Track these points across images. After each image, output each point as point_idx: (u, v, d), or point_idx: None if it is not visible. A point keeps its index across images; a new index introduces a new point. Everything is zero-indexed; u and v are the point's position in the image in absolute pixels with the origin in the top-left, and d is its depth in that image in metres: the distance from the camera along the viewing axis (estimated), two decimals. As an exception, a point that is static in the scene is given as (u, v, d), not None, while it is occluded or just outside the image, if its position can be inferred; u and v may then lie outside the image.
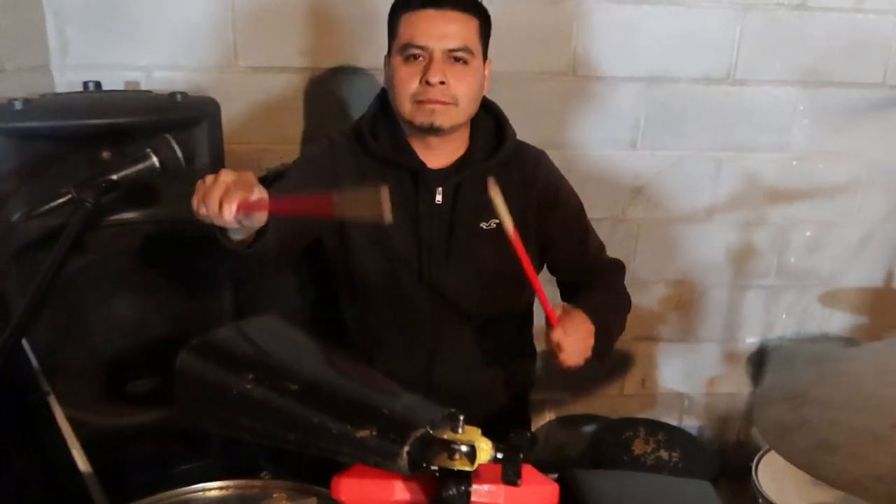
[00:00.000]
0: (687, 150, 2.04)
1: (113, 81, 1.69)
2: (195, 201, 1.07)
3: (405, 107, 1.39)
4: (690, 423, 2.33)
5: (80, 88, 1.58)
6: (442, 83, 1.35)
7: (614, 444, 1.91)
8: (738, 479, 1.67)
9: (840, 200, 2.13)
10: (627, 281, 2.11)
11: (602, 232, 2.05)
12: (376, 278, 1.46)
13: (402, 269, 1.45)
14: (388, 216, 0.89)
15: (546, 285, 1.35)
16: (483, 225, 1.46)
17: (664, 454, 1.86)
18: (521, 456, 0.76)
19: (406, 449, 0.72)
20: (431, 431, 0.74)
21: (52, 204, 1.13)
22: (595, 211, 2.03)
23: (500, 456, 0.77)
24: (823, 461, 0.78)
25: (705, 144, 2.04)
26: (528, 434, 0.79)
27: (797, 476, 1.47)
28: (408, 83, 1.37)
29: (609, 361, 2.22)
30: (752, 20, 1.95)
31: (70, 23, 1.73)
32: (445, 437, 0.75)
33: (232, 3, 1.77)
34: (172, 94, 1.49)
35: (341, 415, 0.74)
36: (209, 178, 1.06)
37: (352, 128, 1.51)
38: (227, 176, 1.05)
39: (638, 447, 1.89)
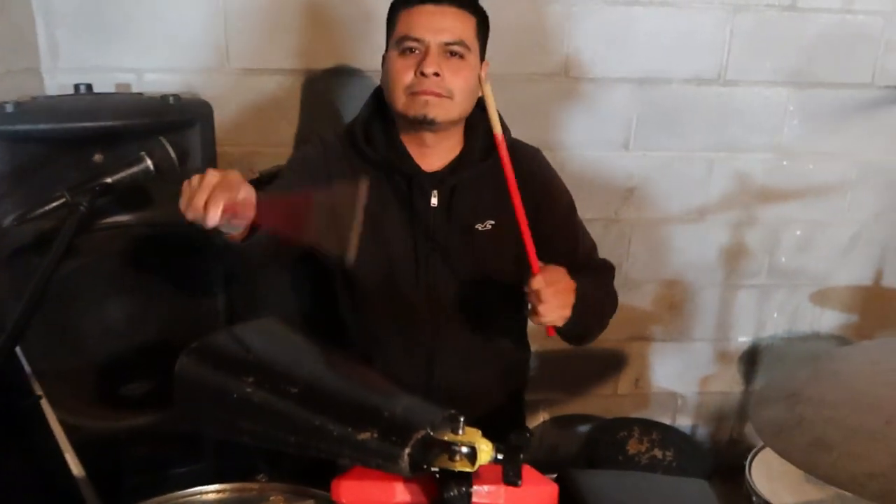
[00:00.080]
0: (679, 151, 2.05)
1: (104, 84, 1.68)
2: (182, 203, 1.07)
3: (399, 99, 1.38)
4: (684, 423, 2.34)
5: (70, 91, 1.57)
6: (436, 75, 1.34)
7: (609, 443, 1.91)
8: (731, 478, 1.68)
9: (830, 200, 2.15)
10: (620, 281, 2.13)
11: (595, 232, 2.06)
12: (375, 280, 1.46)
13: (400, 270, 1.45)
14: (351, 257, 0.90)
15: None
16: (478, 226, 1.46)
17: (658, 453, 1.87)
18: (522, 456, 0.76)
19: (407, 451, 0.72)
20: (432, 433, 0.74)
21: (46, 207, 1.12)
22: (588, 211, 2.05)
23: (500, 457, 0.77)
24: (820, 459, 0.79)
25: (697, 145, 2.05)
26: (528, 433, 0.80)
27: (790, 474, 1.49)
28: (402, 75, 1.37)
29: (602, 362, 2.23)
30: (743, 21, 1.96)
31: (60, 25, 1.72)
32: (446, 438, 0.75)
33: (224, 5, 1.76)
34: (164, 97, 1.48)
35: (342, 417, 0.74)
36: (195, 180, 1.06)
37: (345, 130, 1.51)
38: (212, 177, 1.05)
39: (632, 447, 1.90)
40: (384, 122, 1.47)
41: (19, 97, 1.43)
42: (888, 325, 2.26)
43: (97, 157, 1.41)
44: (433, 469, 0.76)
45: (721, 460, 2.25)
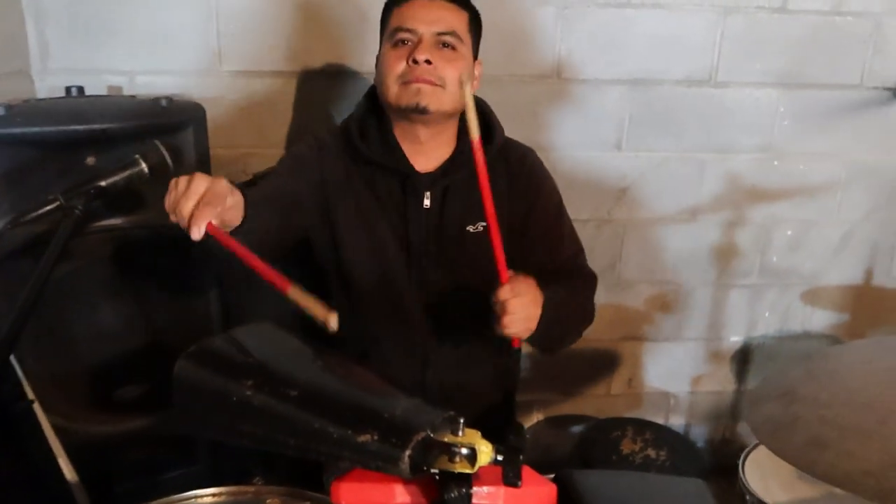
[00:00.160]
0: (671, 152, 2.06)
1: (95, 86, 1.68)
2: (167, 204, 1.05)
3: (391, 90, 1.38)
4: (676, 422, 2.35)
5: (61, 93, 1.57)
6: (428, 62, 1.34)
7: (603, 443, 1.92)
8: (724, 477, 1.69)
9: (820, 200, 2.17)
10: (613, 281, 2.15)
11: (588, 233, 2.09)
12: (369, 280, 1.46)
13: (394, 271, 1.45)
14: (333, 324, 0.89)
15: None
16: (470, 228, 1.46)
17: (652, 453, 1.88)
18: (521, 457, 0.76)
19: (408, 452, 0.72)
20: (432, 435, 0.74)
21: (40, 211, 1.11)
22: (581, 212, 2.06)
23: (499, 458, 0.78)
24: (815, 457, 0.79)
25: (689, 145, 2.06)
26: (523, 433, 0.80)
27: (783, 472, 1.50)
28: (395, 65, 1.37)
29: (596, 362, 2.24)
30: (734, 23, 1.97)
31: (50, 27, 1.71)
32: (446, 440, 0.76)
33: (216, 8, 1.76)
34: (157, 99, 1.48)
35: (342, 420, 0.74)
36: (182, 183, 1.03)
37: (340, 127, 1.50)
38: (199, 185, 1.03)
39: (626, 446, 1.90)
40: (378, 120, 1.47)
41: (10, 100, 1.43)
42: (878, 324, 2.28)
43: (89, 160, 1.41)
44: (433, 470, 0.76)
45: (714, 459, 2.27)
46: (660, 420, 2.25)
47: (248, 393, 0.76)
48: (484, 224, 1.46)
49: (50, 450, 1.28)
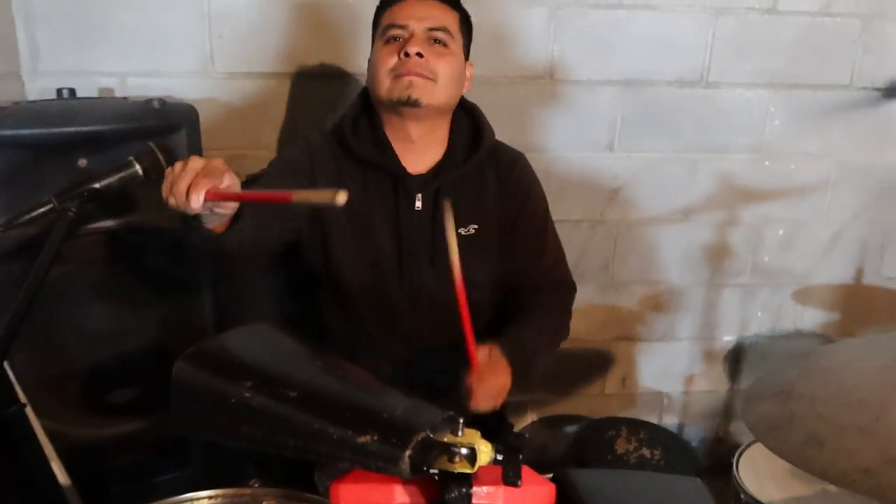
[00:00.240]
0: (663, 152, 2.07)
1: (86, 88, 1.67)
2: (164, 189, 1.05)
3: (383, 84, 1.38)
4: (670, 422, 2.36)
5: (51, 95, 1.56)
6: (420, 55, 1.35)
7: (597, 443, 1.92)
8: (718, 476, 1.69)
9: (811, 200, 2.18)
10: (607, 282, 2.16)
11: (581, 233, 2.10)
12: (358, 282, 1.46)
13: (384, 272, 1.45)
14: (341, 199, 0.90)
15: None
16: (461, 231, 1.45)
17: (646, 452, 1.88)
18: (521, 457, 0.77)
19: (408, 453, 0.72)
20: (432, 435, 0.74)
21: (33, 213, 1.10)
22: (574, 213, 2.07)
23: (499, 458, 0.78)
24: (812, 455, 0.80)
25: (681, 146, 2.07)
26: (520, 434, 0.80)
27: (777, 471, 1.51)
28: (387, 60, 1.37)
29: (589, 362, 2.25)
30: (725, 24, 1.98)
31: (40, 29, 1.70)
32: (446, 440, 0.76)
33: (208, 9, 1.75)
34: (149, 101, 1.48)
35: (341, 420, 0.74)
36: (178, 166, 1.04)
37: (332, 127, 1.50)
38: (195, 163, 1.04)
39: (621, 446, 1.91)
40: (371, 120, 1.46)
41: (1, 102, 1.42)
42: (869, 323, 2.30)
43: (81, 162, 1.40)
44: (432, 471, 0.76)
45: (707, 459, 2.28)
46: (653, 419, 2.25)
47: (247, 394, 0.75)
48: (475, 227, 1.46)
49: (42, 454, 1.27)
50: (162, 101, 1.47)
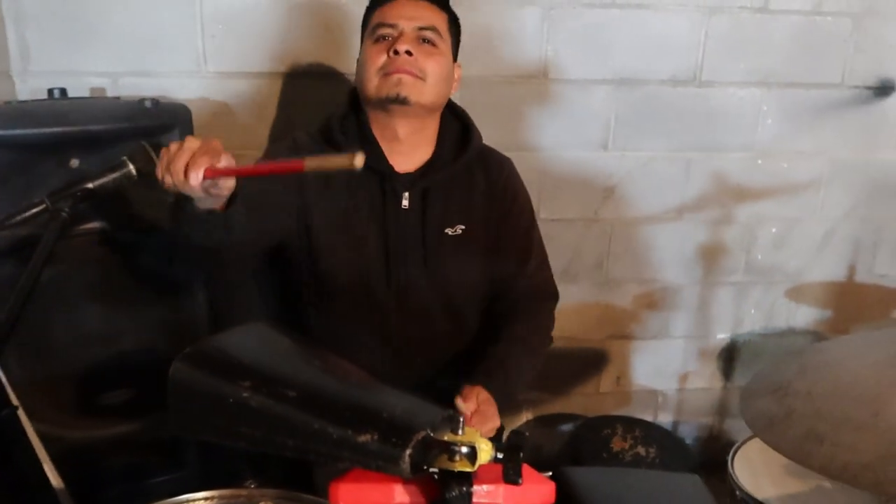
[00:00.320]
0: (657, 151, 2.08)
1: (77, 88, 1.65)
2: (160, 170, 1.05)
3: (372, 82, 1.38)
4: (665, 419, 2.36)
5: (42, 95, 1.55)
6: (409, 53, 1.35)
7: (593, 441, 1.93)
8: (713, 473, 1.70)
9: (804, 198, 2.20)
10: (600, 280, 2.17)
11: (575, 232, 2.10)
12: (344, 281, 1.45)
13: (371, 272, 1.44)
14: (359, 161, 0.89)
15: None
16: (448, 231, 1.45)
17: (642, 450, 1.89)
18: (522, 455, 0.76)
19: (408, 452, 0.71)
20: (432, 434, 0.74)
21: (26, 214, 1.09)
22: (568, 212, 2.07)
23: (500, 456, 0.77)
24: (812, 451, 0.80)
25: (674, 145, 2.08)
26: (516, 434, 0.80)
27: (773, 468, 1.51)
28: (376, 58, 1.37)
29: (584, 360, 2.26)
30: (718, 23, 1.99)
31: (31, 29, 1.69)
32: (446, 438, 0.75)
33: (200, 9, 1.75)
34: (142, 101, 1.47)
35: (341, 420, 0.74)
36: (174, 146, 1.04)
37: (320, 126, 1.49)
38: (192, 143, 1.03)
39: (616, 444, 1.92)
40: (359, 121, 1.46)
41: (-8, 102, 1.41)
42: (861, 320, 2.32)
43: (73, 163, 1.39)
44: (432, 470, 0.76)
45: (702, 456, 2.28)
46: (648, 417, 2.26)
47: (246, 394, 0.75)
48: (462, 227, 1.46)
49: (35, 456, 1.26)
50: (155, 101, 1.47)
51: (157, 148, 1.21)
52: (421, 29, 1.38)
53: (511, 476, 0.77)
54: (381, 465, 0.72)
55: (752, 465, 1.54)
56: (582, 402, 2.28)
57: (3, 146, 1.34)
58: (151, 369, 1.08)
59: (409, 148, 1.45)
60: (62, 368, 1.49)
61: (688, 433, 2.39)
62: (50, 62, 1.71)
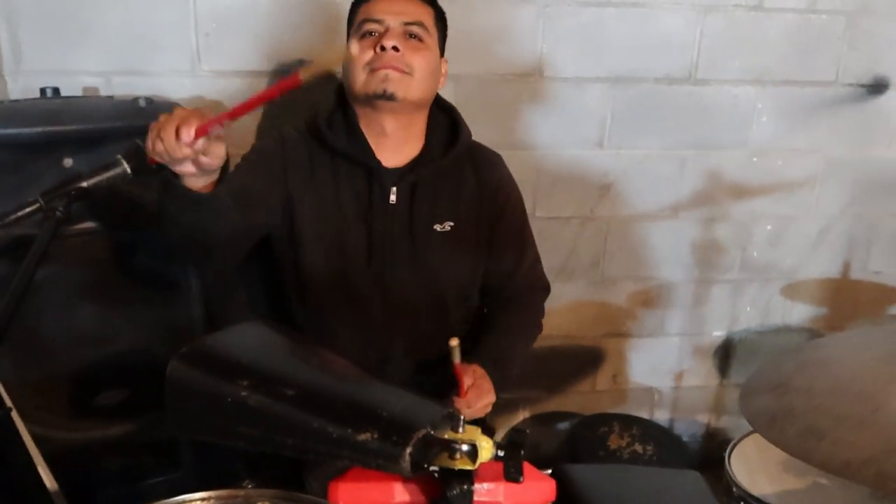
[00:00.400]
0: (652, 149, 2.08)
1: (70, 87, 1.64)
2: (150, 139, 1.06)
3: (359, 78, 1.37)
4: (661, 417, 2.37)
5: (35, 94, 1.54)
6: (396, 49, 1.34)
7: (590, 440, 1.93)
8: (710, 470, 1.70)
9: (799, 195, 2.20)
10: (596, 278, 2.17)
11: (571, 230, 2.10)
12: (327, 277, 1.44)
13: (354, 267, 1.43)
14: (353, 49, 0.85)
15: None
16: (437, 227, 1.45)
17: (639, 448, 1.89)
18: (523, 453, 0.76)
19: (409, 450, 0.71)
20: (432, 432, 0.74)
21: (20, 213, 1.08)
22: (564, 210, 2.07)
23: (500, 454, 0.77)
24: (813, 447, 0.80)
25: (669, 143, 2.08)
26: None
27: (770, 465, 1.52)
28: (362, 55, 1.37)
29: (580, 358, 2.25)
30: (712, 21, 1.99)
31: (23, 28, 1.68)
32: (446, 436, 0.75)
33: (194, 7, 1.74)
34: (135, 100, 1.46)
35: (341, 418, 0.73)
36: (163, 116, 1.05)
37: (307, 120, 1.49)
38: (181, 111, 1.06)
39: (613, 442, 1.92)
40: (346, 116, 1.45)
41: (-16, 101, 1.40)
42: (856, 316, 2.32)
43: (67, 162, 1.38)
44: (432, 468, 0.76)
45: (699, 453, 2.29)
46: (644, 415, 2.26)
47: (244, 393, 0.74)
48: (451, 223, 1.46)
49: (29, 458, 1.25)
50: (148, 100, 1.46)
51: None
52: (407, 24, 1.37)
53: (512, 474, 0.76)
54: (381, 464, 0.71)
55: (748, 462, 1.54)
56: (578, 400, 2.28)
57: (-3, 145, 1.33)
58: (146, 369, 1.08)
59: (397, 143, 1.44)
60: (56, 369, 1.49)
61: (684, 430, 2.40)
62: (42, 61, 1.70)
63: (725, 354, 2.33)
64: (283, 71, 1.82)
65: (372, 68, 1.36)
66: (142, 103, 1.45)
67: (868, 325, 2.19)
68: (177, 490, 1.01)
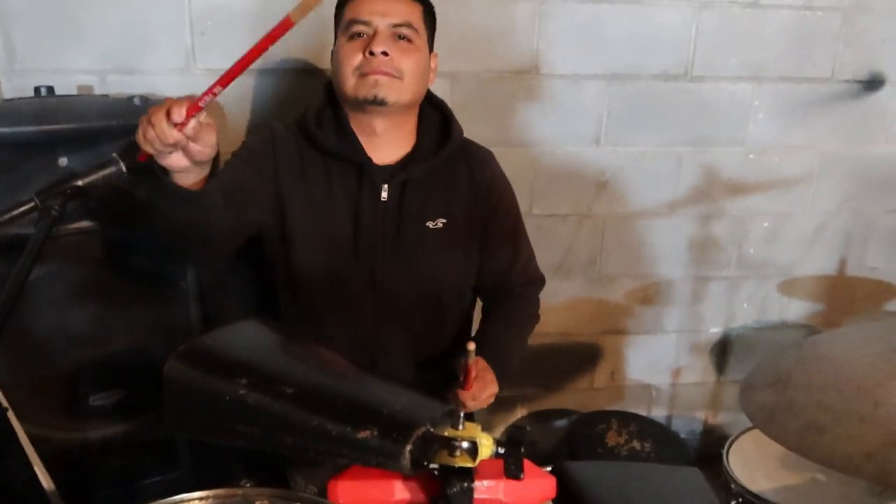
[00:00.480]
0: (649, 146, 2.08)
1: (64, 86, 1.63)
2: (140, 132, 1.05)
3: (348, 82, 1.36)
4: (658, 414, 2.37)
5: (29, 93, 1.53)
6: (385, 54, 1.33)
7: (588, 437, 1.93)
8: (708, 466, 1.70)
9: (795, 192, 2.21)
10: (594, 276, 2.18)
11: (568, 228, 2.10)
12: (319, 275, 1.43)
13: (344, 264, 1.42)
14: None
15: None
16: (429, 224, 1.44)
17: (637, 445, 1.89)
18: (523, 450, 0.76)
19: (409, 448, 0.70)
20: (433, 429, 0.73)
21: (15, 212, 1.07)
22: (561, 207, 2.07)
23: (500, 451, 0.77)
24: (814, 442, 0.80)
25: (666, 140, 2.08)
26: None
27: (767, 461, 1.52)
28: (351, 58, 1.35)
29: (578, 356, 2.26)
30: (709, 18, 1.99)
31: (17, 27, 1.67)
32: (446, 434, 0.75)
33: (189, 6, 1.73)
34: (130, 98, 1.45)
35: (340, 416, 0.72)
36: (151, 109, 1.05)
37: (296, 118, 1.47)
38: (168, 100, 1.06)
39: (611, 439, 1.92)
40: (336, 113, 1.44)
41: (-23, 100, 1.39)
42: (853, 313, 2.33)
43: (62, 161, 1.38)
44: (432, 466, 0.75)
45: (696, 450, 2.29)
46: (642, 412, 2.27)
47: (243, 392, 0.74)
48: (444, 220, 1.45)
49: (26, 459, 1.24)
50: (143, 98, 1.45)
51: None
52: (396, 26, 1.35)
53: (512, 471, 0.76)
54: (381, 462, 0.71)
55: (746, 459, 1.55)
56: (576, 397, 2.28)
57: (-10, 144, 1.32)
58: (143, 369, 1.07)
59: (388, 141, 1.43)
60: (52, 369, 1.48)
61: (681, 427, 2.40)
62: (36, 60, 1.69)
63: (722, 351, 2.34)
64: (284, 70, 1.82)
65: (362, 73, 1.34)
66: (137, 102, 1.44)
67: (866, 321, 2.20)
68: (174, 490, 1.00)
